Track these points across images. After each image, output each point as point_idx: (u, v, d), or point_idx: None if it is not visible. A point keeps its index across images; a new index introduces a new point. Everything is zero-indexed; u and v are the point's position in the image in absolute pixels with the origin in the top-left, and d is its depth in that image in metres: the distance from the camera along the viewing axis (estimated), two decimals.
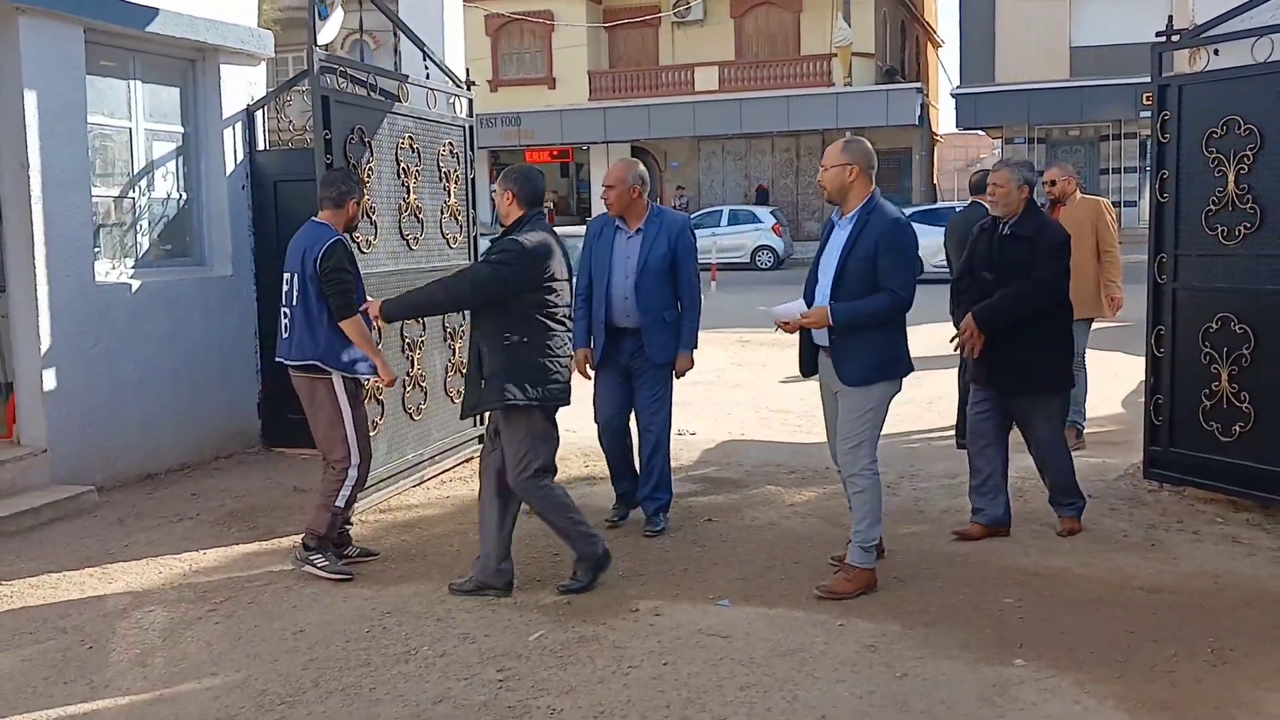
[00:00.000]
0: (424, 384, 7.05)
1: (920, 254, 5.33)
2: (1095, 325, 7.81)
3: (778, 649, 4.36)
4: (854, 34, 30.01)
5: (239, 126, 8.10)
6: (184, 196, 7.95)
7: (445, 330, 7.35)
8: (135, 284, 7.22)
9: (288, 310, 5.21)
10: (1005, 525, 5.77)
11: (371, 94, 6.60)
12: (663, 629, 4.58)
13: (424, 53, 7.29)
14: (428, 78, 7.36)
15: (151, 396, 7.32)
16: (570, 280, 5.04)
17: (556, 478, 5.09)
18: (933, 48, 42.97)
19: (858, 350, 4.86)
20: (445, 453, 7.41)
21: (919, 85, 32.23)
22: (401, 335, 6.76)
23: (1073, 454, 7.49)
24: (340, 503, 5.27)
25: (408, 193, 6.90)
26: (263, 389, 8.09)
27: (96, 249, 7.13)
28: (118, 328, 7.06)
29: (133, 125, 7.49)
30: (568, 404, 4.98)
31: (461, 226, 7.61)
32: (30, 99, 6.46)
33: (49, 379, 6.58)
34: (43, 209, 6.53)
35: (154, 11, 7.19)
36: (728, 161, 33.62)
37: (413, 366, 6.91)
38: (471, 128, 7.80)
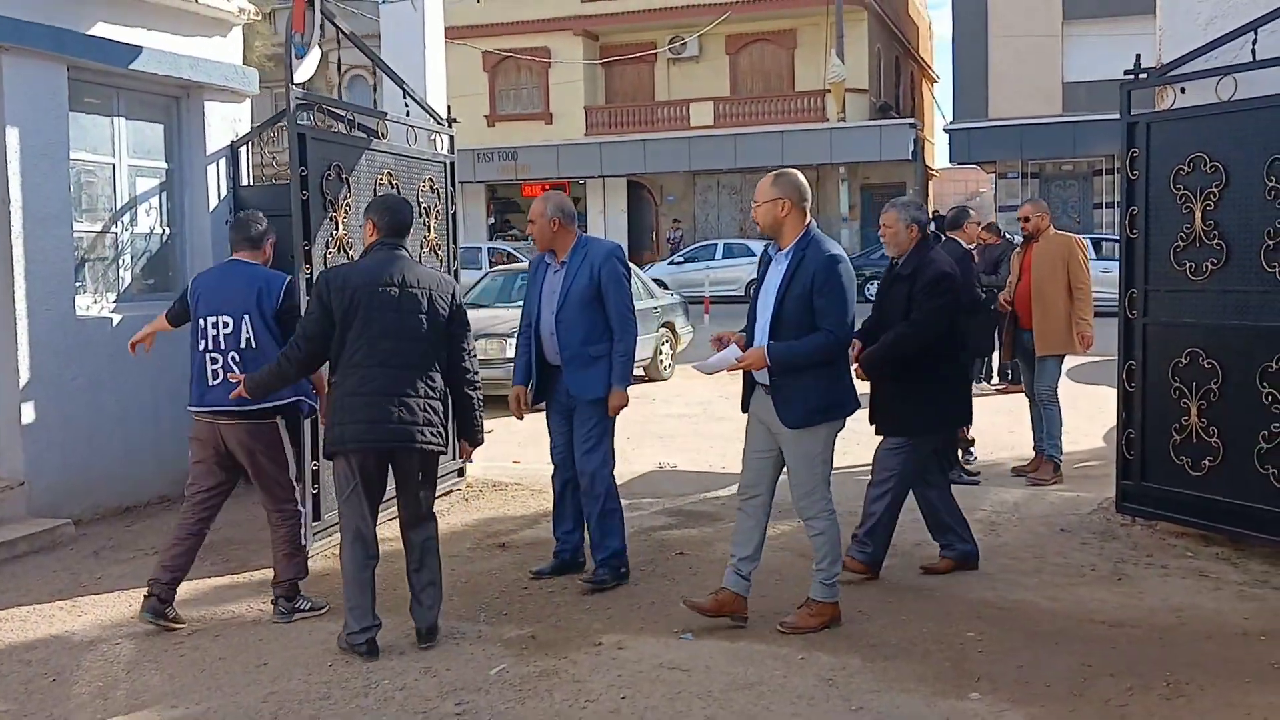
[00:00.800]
0: None
1: None
2: (1082, 359, 7.88)
3: (736, 682, 4.38)
4: (848, 70, 30.23)
5: (223, 162, 8.17)
6: (167, 231, 8.02)
7: None
8: (116, 318, 7.27)
9: (234, 355, 5.03)
10: (973, 560, 5.78)
11: (351, 130, 6.68)
12: (624, 662, 4.60)
13: (404, 90, 7.38)
14: (408, 114, 7.44)
15: (132, 429, 7.36)
16: (371, 316, 4.65)
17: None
18: (927, 83, 43.29)
19: (798, 393, 4.79)
20: None
21: (912, 120, 32.45)
22: None
23: (1049, 487, 7.59)
24: (304, 540, 5.28)
25: None
26: None
27: (78, 283, 7.20)
28: (98, 361, 7.10)
29: (116, 161, 7.57)
30: (355, 448, 4.68)
31: (442, 261, 7.67)
32: (12, 136, 6.54)
33: (27, 411, 6.62)
34: (23, 244, 6.60)
35: (138, 50, 7.29)
36: (723, 195, 33.79)
37: None
38: (452, 164, 7.88)
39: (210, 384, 5.08)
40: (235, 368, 5.03)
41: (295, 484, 5.29)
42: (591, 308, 5.48)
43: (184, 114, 8.01)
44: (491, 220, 34.82)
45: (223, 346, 5.05)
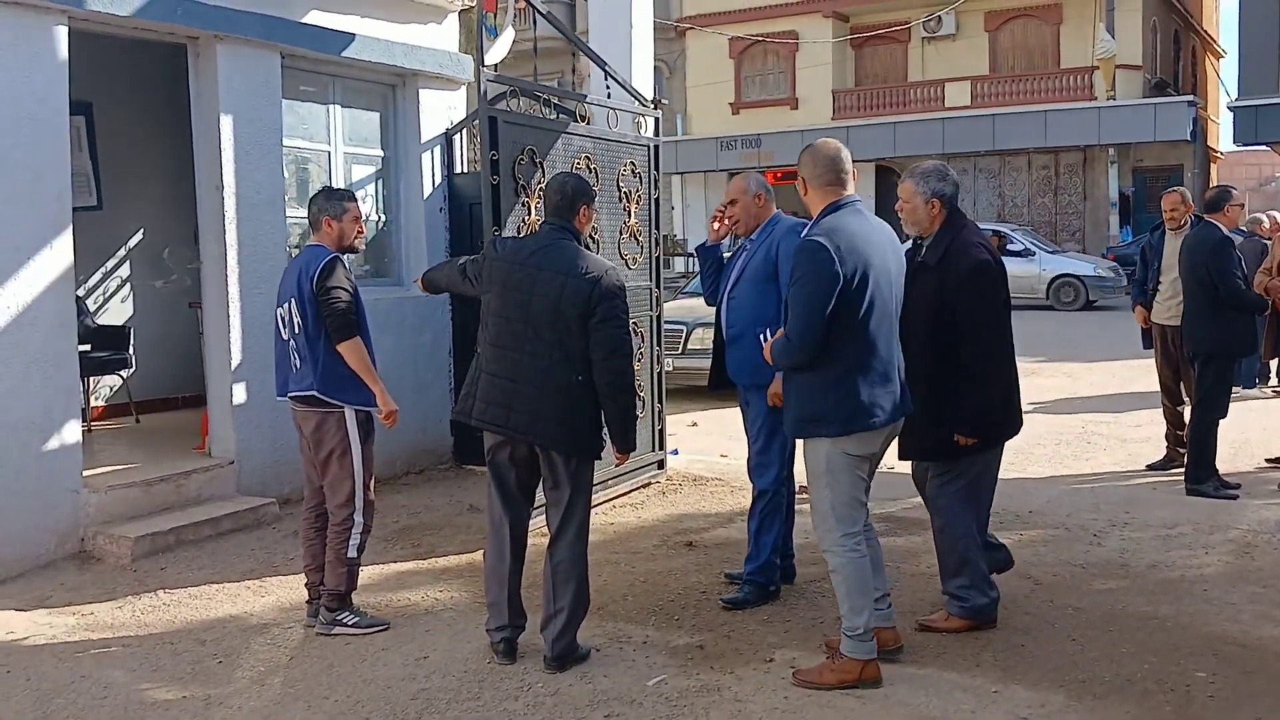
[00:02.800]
0: None
1: None
2: None
3: (916, 714, 3.91)
4: (1118, 45, 28.17)
5: (437, 150, 8.24)
6: (383, 218, 8.14)
7: None
8: None
9: (292, 340, 4.79)
10: (988, 616, 4.71)
11: (557, 115, 6.51)
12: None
13: (605, 71, 7.17)
14: (609, 96, 7.22)
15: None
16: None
17: None
18: (1212, 58, 39.93)
19: (790, 397, 4.20)
20: (619, 477, 7.21)
21: (1191, 98, 29.89)
22: None
23: None
24: (353, 552, 4.84)
25: None
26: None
27: None
28: None
29: (331, 149, 7.72)
30: (477, 424, 4.46)
31: (642, 247, 7.44)
32: (226, 123, 6.72)
33: (239, 393, 6.81)
34: (236, 229, 6.78)
35: (350, 37, 7.38)
36: (979, 179, 32.23)
37: None
38: (657, 147, 7.63)
39: (288, 372, 4.86)
40: (296, 356, 4.79)
41: (358, 490, 4.85)
42: (764, 286, 4.96)
43: (399, 102, 8.10)
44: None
45: (294, 330, 4.79)
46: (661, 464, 7.74)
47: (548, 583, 4.41)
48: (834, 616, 4.88)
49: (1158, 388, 8.04)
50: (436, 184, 8.21)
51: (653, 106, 7.65)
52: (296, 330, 4.78)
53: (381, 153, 8.09)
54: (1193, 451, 7.08)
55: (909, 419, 4.34)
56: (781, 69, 33.36)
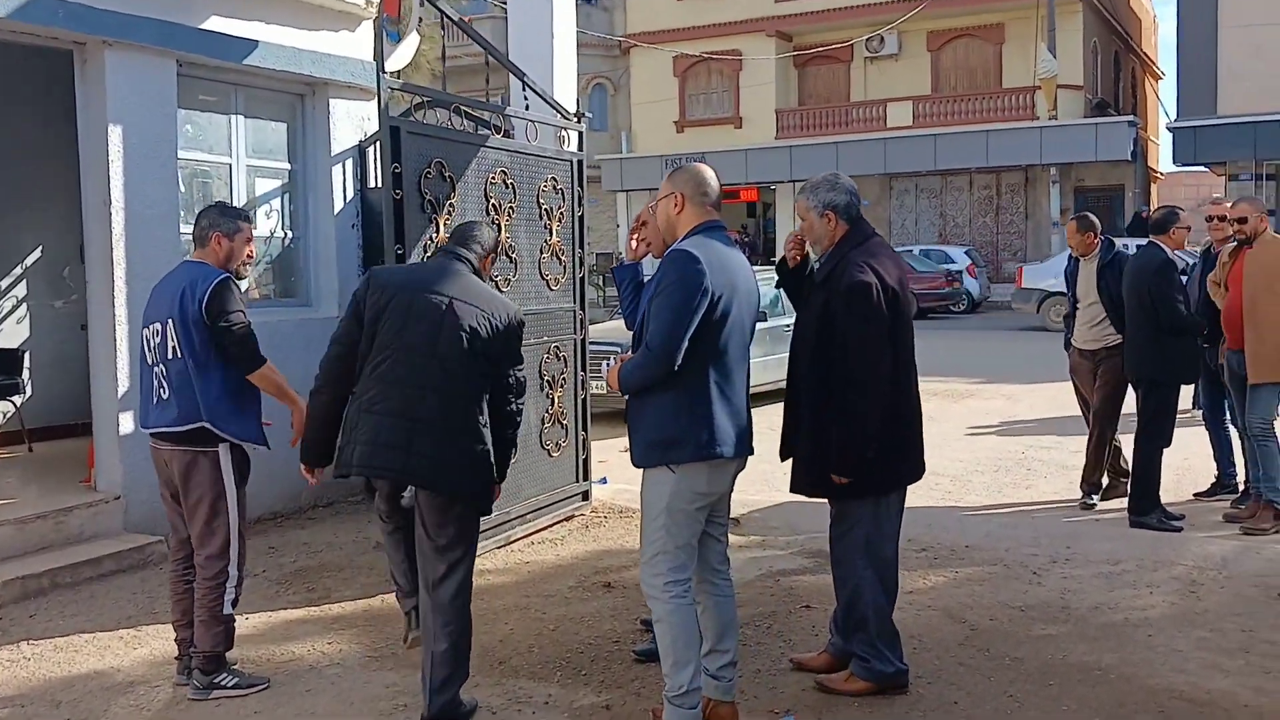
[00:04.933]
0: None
1: None
2: None
3: None
4: (1060, 65, 28.30)
5: (349, 163, 7.81)
6: (289, 235, 7.70)
7: (542, 378, 6.80)
8: None
9: (160, 366, 4.35)
10: (895, 684, 4.27)
11: (476, 128, 6.13)
12: None
13: (523, 81, 6.80)
14: (527, 108, 6.86)
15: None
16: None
17: None
18: (1152, 80, 40.39)
19: (640, 422, 3.75)
20: (538, 511, 6.82)
21: (1132, 118, 30.13)
22: None
23: (1268, 538, 6.38)
24: (228, 609, 4.37)
25: (498, 231, 6.37)
26: None
27: None
28: None
29: (233, 161, 7.27)
30: (360, 474, 4.10)
31: (565, 267, 7.05)
32: (115, 134, 6.27)
33: (126, 422, 6.33)
34: (125, 247, 6.32)
35: (253, 44, 6.95)
36: (921, 199, 32.27)
37: None
38: (580, 162, 7.24)
39: (153, 400, 4.39)
40: (164, 382, 4.32)
41: (233, 540, 4.38)
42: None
43: (308, 112, 7.68)
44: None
45: (165, 356, 4.32)
46: (586, 495, 7.35)
47: (427, 637, 3.99)
48: (754, 669, 4.54)
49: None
50: (349, 199, 7.79)
51: (576, 120, 7.27)
52: (171, 356, 4.30)
53: (289, 165, 7.65)
54: (1136, 483, 6.81)
55: (799, 449, 4.10)
56: (726, 88, 33.24)
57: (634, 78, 34.12)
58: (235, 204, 7.23)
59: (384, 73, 5.53)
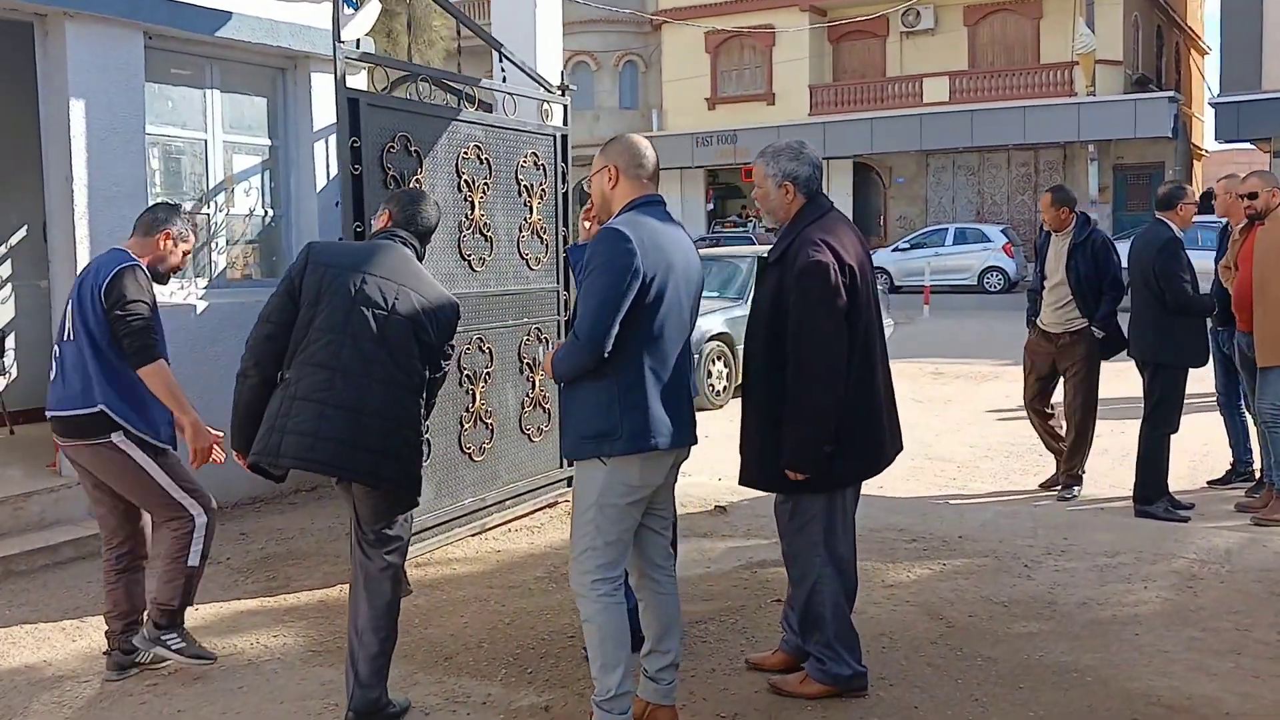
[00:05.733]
0: (489, 420, 6.28)
1: None
2: None
3: None
4: (1099, 40, 27.61)
5: (333, 139, 7.59)
6: (270, 213, 7.51)
7: (522, 361, 6.57)
8: (201, 305, 6.78)
9: (56, 349, 4.21)
10: (853, 687, 4.00)
11: (460, 102, 5.93)
12: None
13: (499, 52, 6.54)
14: (504, 80, 6.61)
15: (218, 426, 6.84)
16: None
17: None
18: (1196, 55, 39.39)
19: (570, 413, 3.55)
20: (519, 497, 6.61)
21: (1173, 94, 29.35)
22: (459, 368, 6.02)
23: (1277, 529, 6.05)
24: (194, 560, 4.20)
25: (471, 209, 6.16)
26: None
27: None
28: (177, 353, 6.57)
29: (209, 137, 7.09)
30: (292, 464, 3.77)
31: (547, 246, 6.80)
32: (77, 109, 6.09)
33: None
34: (89, 225, 6.15)
35: (226, 16, 6.75)
36: (958, 176, 31.68)
37: (474, 402, 6.15)
38: (564, 137, 6.97)
39: (51, 380, 4.24)
40: (58, 364, 4.16)
41: (176, 494, 4.21)
42: None
43: (289, 86, 7.48)
44: (710, 206, 33.91)
45: (62, 337, 4.18)
46: (570, 481, 7.12)
47: (353, 641, 3.78)
48: (709, 668, 4.31)
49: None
50: (332, 175, 7.58)
51: (560, 93, 7.00)
52: (66, 338, 4.15)
53: (269, 141, 7.45)
54: (1141, 470, 6.49)
55: (748, 440, 3.89)
56: (758, 63, 32.79)
57: (665, 54, 33.73)
58: (212, 180, 7.09)
59: (340, 41, 5.31)
